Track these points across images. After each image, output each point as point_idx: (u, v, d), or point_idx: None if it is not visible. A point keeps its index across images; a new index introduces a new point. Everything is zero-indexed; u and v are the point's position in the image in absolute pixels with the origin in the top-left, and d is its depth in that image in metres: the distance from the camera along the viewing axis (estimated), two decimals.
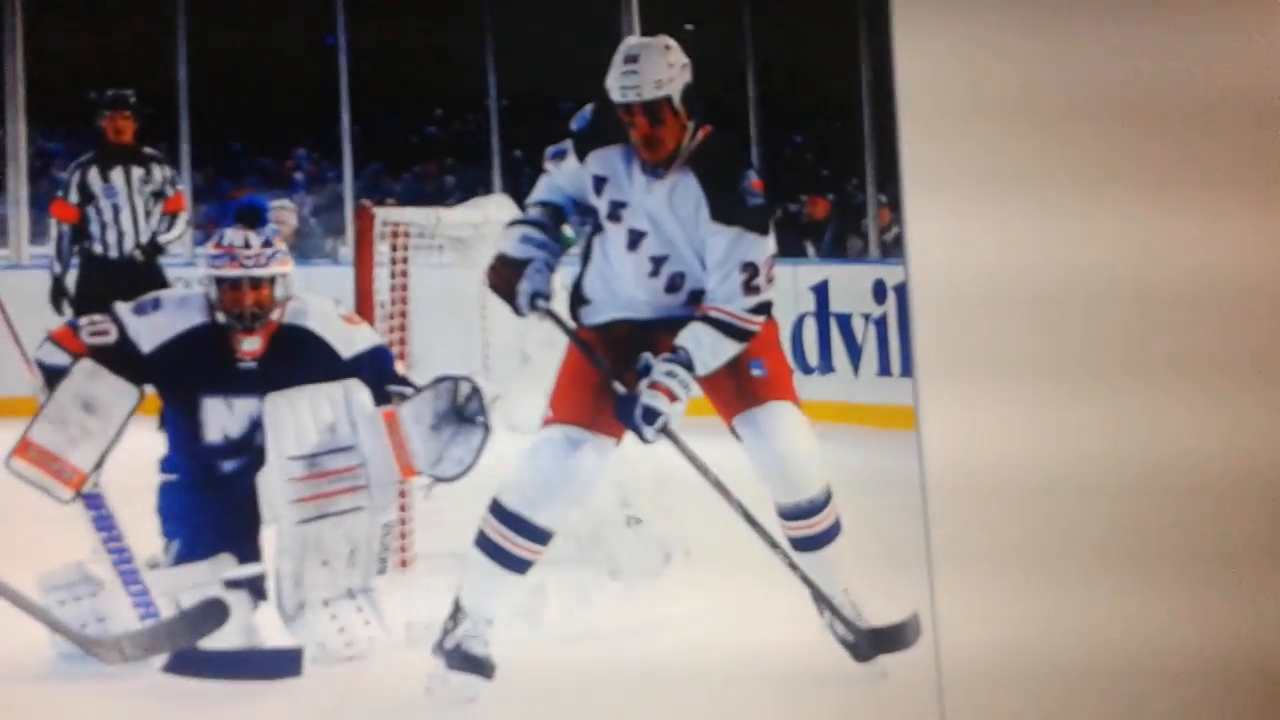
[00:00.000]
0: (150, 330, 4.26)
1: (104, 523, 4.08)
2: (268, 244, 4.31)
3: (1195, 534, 3.65)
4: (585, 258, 4.05)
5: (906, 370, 3.82)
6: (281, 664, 3.99)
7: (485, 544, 3.87)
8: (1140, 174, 3.73)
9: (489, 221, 4.65)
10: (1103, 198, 3.72)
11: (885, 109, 3.83)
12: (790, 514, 3.97)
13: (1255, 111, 3.71)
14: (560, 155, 4.03)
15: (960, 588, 3.68)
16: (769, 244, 3.91)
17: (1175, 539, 3.64)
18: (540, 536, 3.86)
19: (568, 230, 4.09)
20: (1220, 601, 3.63)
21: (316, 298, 4.40)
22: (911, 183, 3.75)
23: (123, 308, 4.28)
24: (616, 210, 3.96)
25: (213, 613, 3.92)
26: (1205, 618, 3.61)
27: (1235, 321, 3.69)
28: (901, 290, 3.89)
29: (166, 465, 4.32)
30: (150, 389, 4.24)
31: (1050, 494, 3.66)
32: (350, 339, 4.32)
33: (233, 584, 4.11)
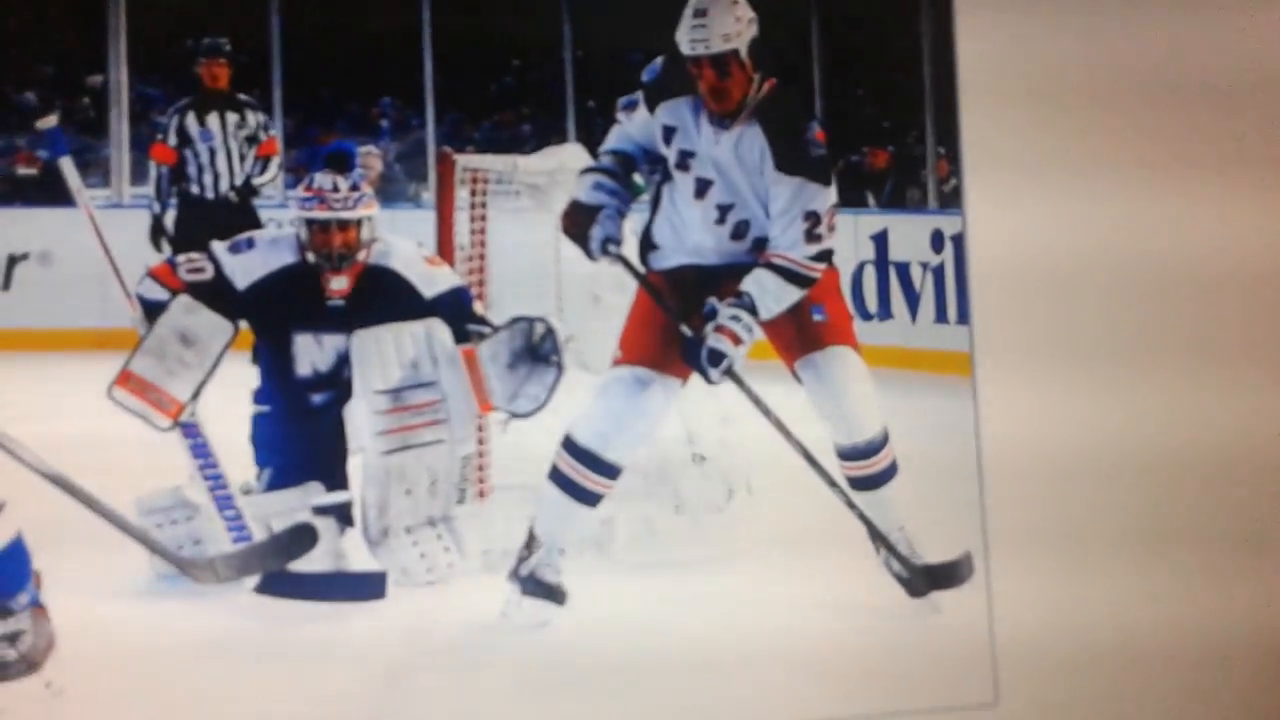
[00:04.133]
0: (244, 268, 4.29)
1: (200, 450, 4.12)
2: (355, 188, 4.32)
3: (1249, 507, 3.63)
4: (654, 205, 4.03)
5: (963, 317, 3.79)
6: (366, 587, 4.03)
7: (558, 477, 3.90)
8: (1200, 146, 3.68)
9: (563, 169, 4.62)
10: (1160, 169, 3.67)
11: (945, 63, 3.79)
12: (849, 454, 3.97)
13: None
14: (631, 106, 4.01)
15: (1012, 529, 3.68)
16: (831, 194, 3.88)
17: (1231, 507, 3.62)
18: (610, 471, 3.88)
19: (638, 178, 4.07)
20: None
21: (400, 240, 4.41)
22: (970, 135, 3.73)
23: (219, 246, 4.32)
24: (685, 159, 3.95)
25: (302, 537, 3.92)
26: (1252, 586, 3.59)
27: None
28: (958, 240, 3.86)
29: (259, 397, 4.36)
30: (244, 324, 4.27)
31: (1105, 444, 3.65)
32: (432, 279, 4.33)
33: (321, 510, 4.14)
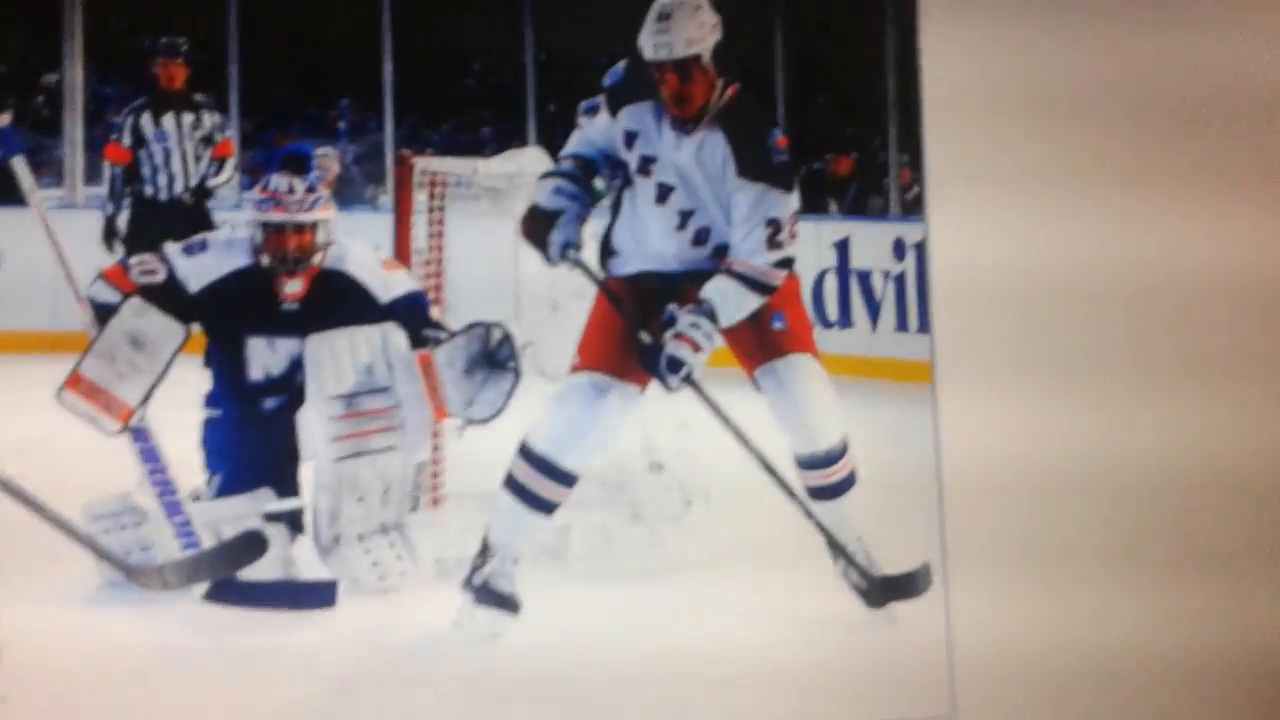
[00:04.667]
0: (197, 271, 4.26)
1: (149, 455, 4.08)
2: (311, 190, 4.30)
3: (1207, 526, 3.63)
4: (615, 210, 4.03)
5: (924, 326, 3.79)
6: (317, 595, 4.00)
7: (514, 485, 3.89)
8: (1163, 159, 3.69)
9: (523, 173, 4.64)
10: (1123, 180, 3.69)
11: (909, 72, 3.79)
12: (808, 463, 3.96)
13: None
14: (593, 110, 4.02)
15: (972, 539, 3.68)
16: (793, 200, 3.89)
17: (1188, 530, 3.63)
18: (566, 479, 3.88)
19: (599, 183, 4.06)
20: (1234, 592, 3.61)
21: (357, 243, 4.39)
22: (933, 143, 3.73)
23: (172, 248, 4.29)
24: (646, 165, 3.95)
25: (252, 544, 3.93)
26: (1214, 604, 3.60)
27: (1258, 320, 3.67)
28: (921, 248, 3.87)
29: (210, 401, 4.32)
30: (196, 327, 4.24)
31: (1065, 455, 3.65)
32: (388, 284, 4.31)
33: (272, 517, 4.12)
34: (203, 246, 4.30)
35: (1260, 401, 3.70)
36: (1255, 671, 3.64)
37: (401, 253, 4.58)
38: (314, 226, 4.27)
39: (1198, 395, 3.67)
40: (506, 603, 3.89)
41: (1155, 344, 3.71)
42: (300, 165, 4.39)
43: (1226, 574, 3.66)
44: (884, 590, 3.97)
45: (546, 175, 4.05)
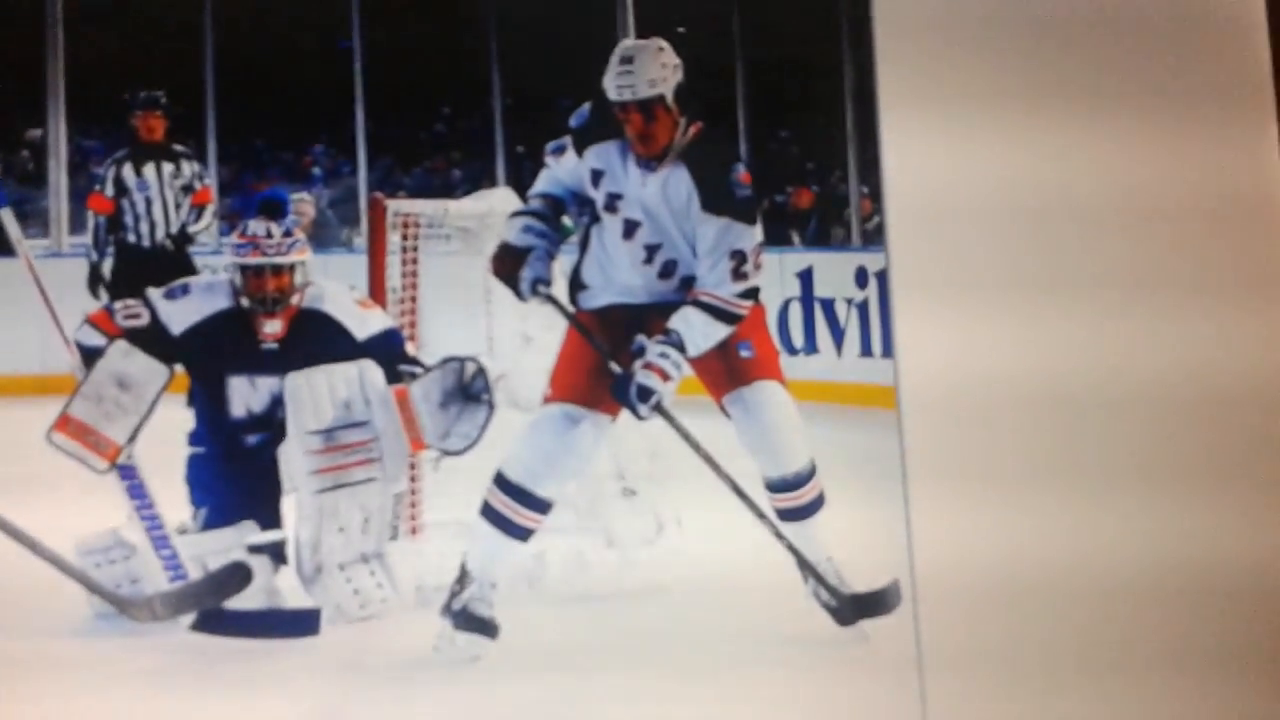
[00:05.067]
0: (180, 314, 4.31)
1: (137, 491, 4.12)
2: (288, 234, 4.35)
3: (1179, 450, 3.63)
4: (583, 246, 4.07)
5: (887, 351, 3.83)
6: (300, 623, 4.02)
7: (490, 513, 3.91)
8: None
9: (493, 212, 4.64)
10: (1095, 193, 3.71)
11: (867, 105, 3.83)
12: (777, 486, 3.99)
13: (1250, 212, 3.69)
14: (560, 150, 4.06)
15: (939, 557, 3.69)
16: (756, 233, 3.94)
17: (1172, 448, 3.62)
18: (541, 506, 3.90)
19: (567, 220, 4.11)
20: (1201, 516, 3.61)
21: (333, 284, 4.44)
22: (891, 174, 3.76)
23: (154, 293, 4.34)
24: (613, 201, 3.99)
25: (237, 575, 3.96)
26: (1185, 538, 3.60)
27: (1229, 420, 3.67)
28: (882, 276, 3.91)
29: (194, 439, 4.37)
30: (179, 368, 4.28)
31: (1033, 474, 3.66)
32: (364, 322, 4.36)
33: (256, 549, 4.15)
34: (184, 290, 4.35)
35: (1245, 504, 3.70)
36: (1235, 589, 3.65)
37: (377, 292, 4.59)
38: (291, 268, 4.31)
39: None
40: (485, 627, 3.90)
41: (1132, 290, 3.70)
42: (277, 210, 4.42)
43: (1204, 490, 3.66)
44: (854, 608, 3.98)
45: (516, 214, 4.08)
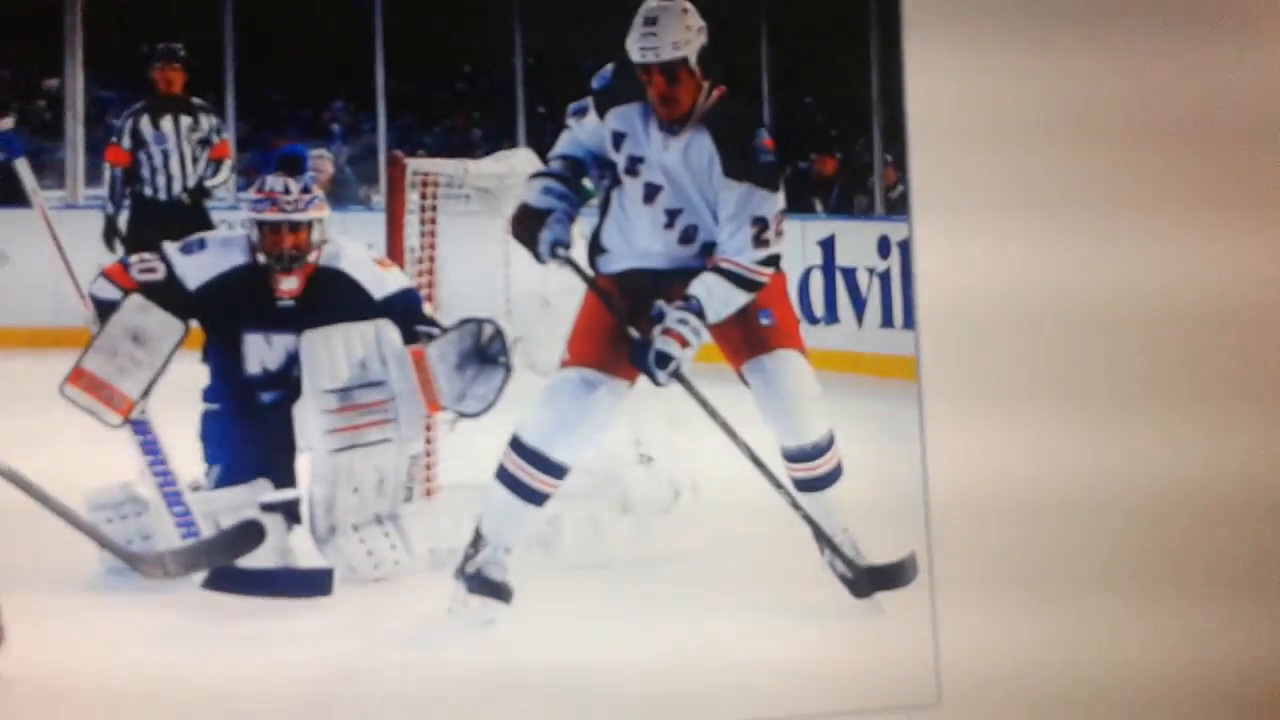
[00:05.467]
0: (196, 269, 4.30)
1: (150, 447, 4.12)
2: (306, 190, 4.34)
3: (1191, 367, 3.62)
4: (603, 209, 4.04)
5: (909, 322, 3.81)
6: (313, 583, 4.03)
7: (505, 477, 3.90)
8: (1152, 169, 3.70)
9: (513, 173, 4.64)
10: (1110, 149, 3.69)
11: (893, 72, 3.82)
12: (794, 456, 3.98)
13: (1261, 129, 3.67)
14: (582, 112, 4.04)
15: (955, 530, 3.69)
16: (778, 200, 3.91)
17: (1165, 374, 3.62)
18: (557, 471, 3.89)
19: (587, 183, 4.09)
20: (1214, 434, 3.60)
21: (351, 242, 4.43)
22: (916, 142, 3.75)
23: (170, 247, 4.32)
24: (634, 165, 3.96)
25: (250, 533, 3.94)
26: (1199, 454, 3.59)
27: (1239, 339, 3.67)
28: (905, 246, 3.88)
29: (209, 395, 4.36)
30: (195, 323, 4.27)
31: (1050, 446, 3.66)
32: (382, 281, 4.34)
33: (269, 507, 4.14)
34: (201, 245, 4.34)
35: (1249, 426, 3.70)
36: (1250, 688, 3.66)
37: (395, 251, 4.59)
38: (309, 225, 4.30)
39: (1192, 407, 3.68)
40: (498, 591, 3.90)
41: (1146, 354, 3.71)
42: (295, 166, 4.44)
43: (1222, 585, 3.67)
44: (870, 580, 3.98)
45: (536, 175, 4.06)
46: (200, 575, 3.93)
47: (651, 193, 3.96)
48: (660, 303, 3.87)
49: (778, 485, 3.97)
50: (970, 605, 3.69)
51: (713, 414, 3.96)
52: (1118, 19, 3.70)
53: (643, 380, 3.93)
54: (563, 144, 4.08)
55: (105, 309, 4.19)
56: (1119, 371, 3.72)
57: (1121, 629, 3.68)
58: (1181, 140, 3.72)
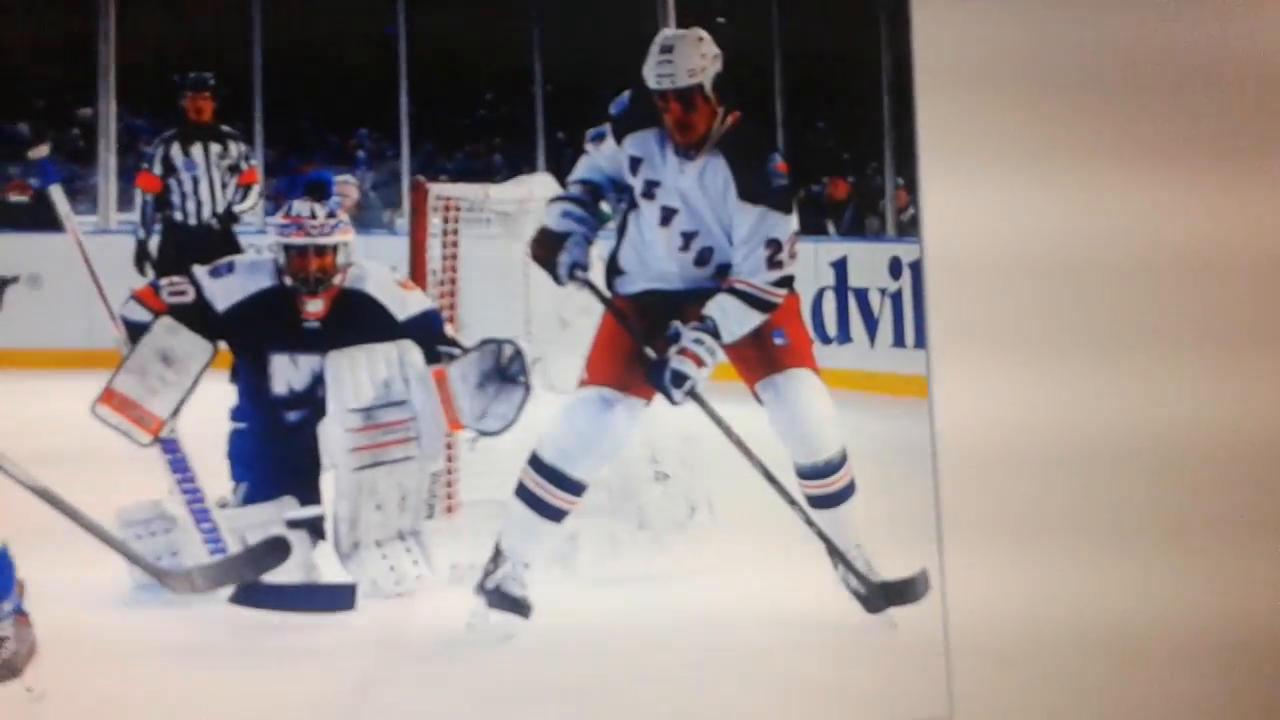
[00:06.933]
0: (224, 291, 4.32)
1: (179, 465, 4.14)
2: (331, 215, 4.37)
3: (1202, 504, 3.62)
4: (621, 232, 4.05)
5: (920, 342, 3.82)
6: (337, 598, 4.03)
7: (524, 494, 3.91)
8: (1151, 149, 3.69)
9: (533, 197, 4.66)
10: (1114, 173, 3.68)
11: (903, 97, 3.82)
12: (808, 473, 3.97)
13: (1269, 82, 3.65)
14: (600, 137, 4.05)
15: (967, 546, 3.67)
16: (792, 222, 3.92)
17: (1181, 509, 3.62)
18: (575, 488, 3.90)
19: (605, 206, 4.10)
20: (1226, 569, 3.60)
21: (375, 265, 4.45)
22: (927, 166, 3.75)
23: (200, 270, 4.35)
24: (651, 189, 3.97)
25: (276, 550, 3.95)
26: (1209, 585, 3.59)
27: (1249, 292, 3.65)
28: (916, 267, 3.89)
29: (236, 414, 4.39)
30: (223, 345, 4.29)
31: (1057, 463, 3.64)
32: (405, 303, 4.36)
33: (294, 524, 4.16)
34: (229, 268, 4.37)
35: (1258, 375, 3.68)
36: (1256, 645, 3.63)
37: (417, 273, 4.61)
38: (334, 249, 4.33)
39: (1196, 371, 3.64)
40: (518, 606, 3.90)
41: (1157, 325, 3.68)
42: (321, 191, 4.47)
43: (1230, 546, 3.64)
44: (883, 595, 3.96)
45: (555, 199, 4.08)
46: (227, 590, 3.94)
47: (668, 216, 3.97)
48: (676, 323, 3.88)
49: (791, 502, 3.96)
50: (983, 619, 3.67)
51: (727, 432, 3.96)
52: (1134, 50, 3.70)
53: (659, 399, 3.93)
54: (581, 169, 4.09)
55: (136, 331, 4.21)
56: (1127, 387, 3.71)
57: (1143, 623, 3.65)
58: (1197, 96, 3.69)
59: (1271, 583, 3.64)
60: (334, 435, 4.20)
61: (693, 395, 3.89)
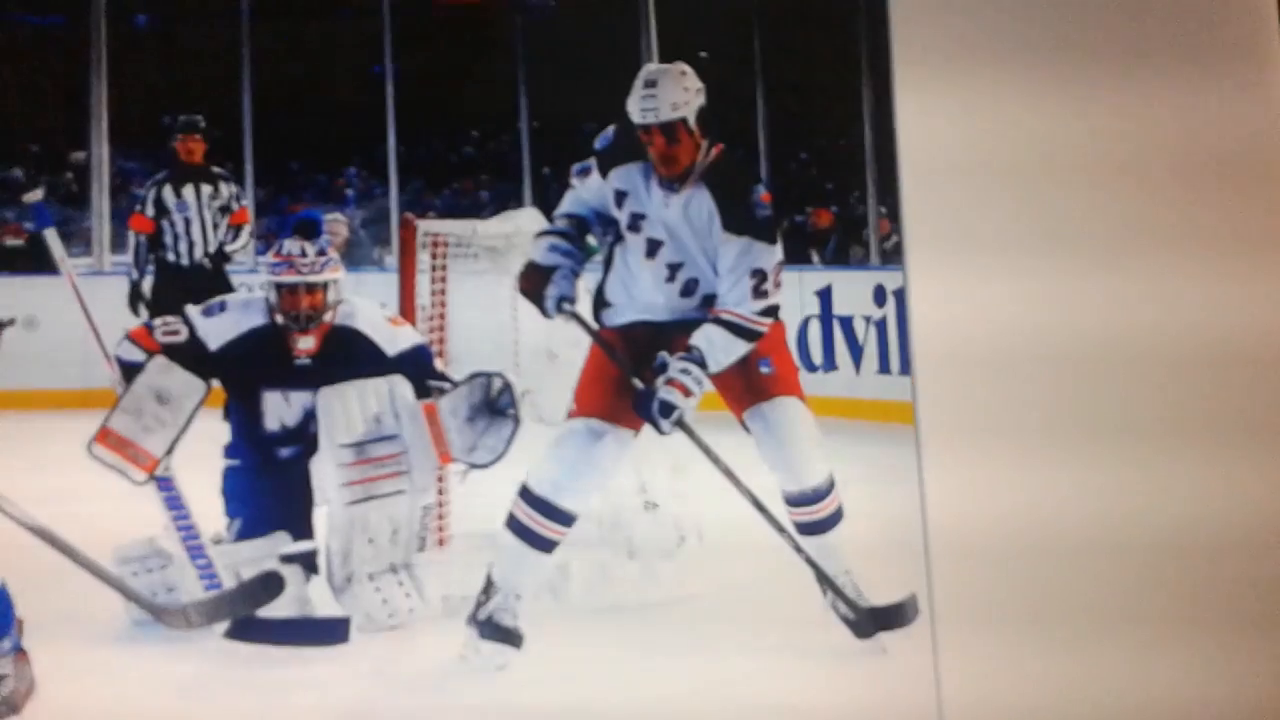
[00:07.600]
0: (217, 330, 4.34)
1: (173, 502, 4.14)
2: (322, 253, 4.38)
3: (1196, 406, 3.60)
4: (607, 265, 4.06)
5: (905, 368, 3.81)
6: (331, 631, 4.02)
7: (515, 525, 3.90)
8: (1147, 216, 3.70)
9: (520, 232, 4.67)
10: (1093, 250, 3.69)
11: (885, 127, 3.84)
12: (796, 500, 3.97)
13: (1257, 170, 3.66)
14: (585, 172, 4.06)
15: (956, 571, 3.67)
16: (776, 252, 3.92)
17: (1169, 413, 3.60)
18: (565, 519, 3.89)
19: (591, 240, 4.10)
20: (1220, 472, 3.58)
21: (365, 301, 4.47)
22: (910, 194, 3.76)
23: (192, 310, 4.37)
24: (636, 221, 3.99)
25: (270, 585, 3.94)
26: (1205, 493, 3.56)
27: (1244, 376, 3.66)
28: (900, 295, 3.89)
29: (230, 452, 4.40)
30: (216, 383, 4.30)
31: (1047, 498, 3.65)
32: (394, 338, 4.38)
33: (288, 559, 4.15)
34: (221, 308, 4.38)
35: (1256, 459, 3.68)
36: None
37: (407, 309, 4.61)
38: (325, 286, 4.34)
39: (1189, 452, 3.66)
40: (510, 637, 3.89)
41: (1146, 392, 3.70)
42: (311, 230, 4.44)
43: (1222, 629, 3.64)
44: (872, 621, 3.96)
45: (542, 234, 4.08)
46: (222, 625, 3.94)
47: (653, 248, 3.98)
48: (663, 354, 3.88)
49: (780, 529, 3.96)
50: (972, 645, 3.65)
51: (715, 461, 3.95)
52: (1114, 65, 3.71)
53: (647, 429, 3.92)
54: (567, 203, 4.10)
55: (130, 370, 4.22)
56: (1117, 412, 3.70)
57: (1125, 668, 3.64)
58: (1180, 181, 3.71)
59: (1273, 672, 3.64)
60: (326, 470, 4.21)
61: (681, 425, 3.88)
